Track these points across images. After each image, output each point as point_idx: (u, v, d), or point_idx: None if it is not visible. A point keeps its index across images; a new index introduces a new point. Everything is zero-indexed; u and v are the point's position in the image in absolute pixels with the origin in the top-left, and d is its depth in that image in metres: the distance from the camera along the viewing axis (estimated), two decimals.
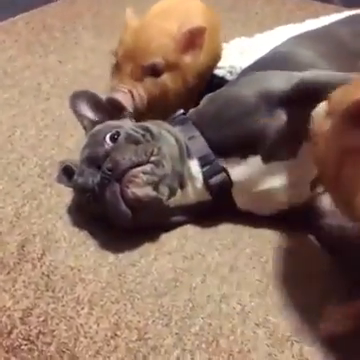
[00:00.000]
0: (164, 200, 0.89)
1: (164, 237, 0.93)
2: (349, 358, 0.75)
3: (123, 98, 1.04)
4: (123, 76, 1.06)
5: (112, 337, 0.77)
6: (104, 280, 0.85)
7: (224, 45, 1.31)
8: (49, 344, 0.77)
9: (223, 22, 1.28)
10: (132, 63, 1.06)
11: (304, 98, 0.86)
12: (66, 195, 1.00)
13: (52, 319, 0.79)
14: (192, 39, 1.07)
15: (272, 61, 1.06)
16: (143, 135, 0.92)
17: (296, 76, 0.91)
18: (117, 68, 1.09)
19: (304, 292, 0.84)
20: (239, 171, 0.92)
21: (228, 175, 0.93)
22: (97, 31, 1.63)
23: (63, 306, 0.81)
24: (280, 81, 0.92)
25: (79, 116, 1.03)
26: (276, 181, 0.92)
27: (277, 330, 0.78)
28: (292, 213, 0.94)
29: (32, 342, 0.77)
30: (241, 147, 0.91)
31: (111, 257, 0.89)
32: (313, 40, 1.09)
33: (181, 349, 0.76)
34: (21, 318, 0.80)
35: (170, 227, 0.95)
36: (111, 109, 1.03)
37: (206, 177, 0.93)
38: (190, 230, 0.95)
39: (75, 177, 0.94)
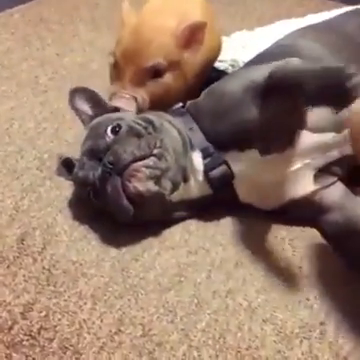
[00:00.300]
0: (167, 195, 0.87)
1: (167, 231, 0.92)
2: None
3: (126, 104, 1.01)
4: (124, 82, 1.02)
5: (116, 333, 0.76)
6: (107, 275, 0.83)
7: (225, 38, 1.29)
8: (51, 340, 0.75)
9: (221, 16, 1.27)
10: (132, 65, 1.02)
11: (277, 89, 0.86)
12: (66, 188, 0.98)
13: (54, 314, 0.77)
14: (192, 35, 1.04)
15: (275, 54, 1.04)
16: (145, 128, 0.90)
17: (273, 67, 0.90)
18: (117, 71, 1.05)
19: (311, 287, 0.83)
20: (239, 164, 0.91)
21: (229, 167, 0.91)
22: (94, 24, 1.61)
23: (65, 301, 0.79)
24: (262, 73, 0.90)
25: (78, 112, 1.01)
26: (276, 173, 0.91)
27: (285, 326, 0.77)
28: (294, 207, 0.93)
29: (34, 338, 0.75)
30: (236, 140, 0.90)
31: (113, 251, 0.87)
32: (319, 33, 1.07)
33: (187, 345, 0.74)
34: (22, 313, 0.77)
35: (172, 222, 0.93)
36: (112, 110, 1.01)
37: (207, 169, 0.91)
38: (193, 224, 0.94)
39: (75, 170, 0.92)
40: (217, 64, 1.23)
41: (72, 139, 1.10)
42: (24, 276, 0.82)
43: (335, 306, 0.80)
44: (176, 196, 0.90)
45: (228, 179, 0.92)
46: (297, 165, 0.91)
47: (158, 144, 0.87)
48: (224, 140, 0.91)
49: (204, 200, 0.93)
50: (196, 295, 0.81)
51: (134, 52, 1.02)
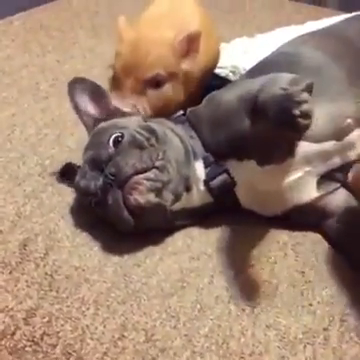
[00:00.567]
0: (168, 206, 0.87)
1: (169, 237, 0.91)
2: None
3: (128, 106, 1.02)
4: (125, 92, 1.03)
5: (119, 338, 0.75)
6: (109, 280, 0.83)
7: (225, 45, 1.30)
8: (54, 346, 0.74)
9: (221, 24, 1.27)
10: (132, 77, 1.03)
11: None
12: (68, 194, 0.98)
13: (57, 320, 0.77)
14: (189, 45, 1.05)
15: (277, 63, 1.04)
16: (148, 139, 0.88)
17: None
18: (116, 82, 1.05)
19: (313, 293, 0.83)
20: (239, 173, 0.91)
21: (230, 176, 0.91)
22: (95, 31, 1.61)
23: (68, 307, 0.79)
24: (258, 85, 0.88)
25: (78, 110, 0.99)
26: (277, 182, 0.90)
27: (288, 332, 0.77)
28: (298, 213, 0.92)
29: (36, 343, 0.74)
30: (234, 150, 0.90)
31: (115, 257, 0.87)
32: (320, 39, 1.07)
33: (191, 351, 0.74)
34: (24, 319, 0.77)
35: (174, 230, 0.93)
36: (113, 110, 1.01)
37: (208, 178, 0.91)
38: (195, 230, 0.94)
39: (77, 178, 0.91)
40: (217, 71, 1.23)
41: (74, 145, 1.10)
42: (26, 282, 0.82)
43: (339, 311, 0.80)
44: (177, 205, 0.89)
45: (229, 187, 0.92)
46: (298, 174, 0.90)
47: (160, 156, 0.86)
48: (222, 149, 0.91)
49: (206, 208, 0.93)
50: (199, 300, 0.81)
51: (134, 65, 1.03)
